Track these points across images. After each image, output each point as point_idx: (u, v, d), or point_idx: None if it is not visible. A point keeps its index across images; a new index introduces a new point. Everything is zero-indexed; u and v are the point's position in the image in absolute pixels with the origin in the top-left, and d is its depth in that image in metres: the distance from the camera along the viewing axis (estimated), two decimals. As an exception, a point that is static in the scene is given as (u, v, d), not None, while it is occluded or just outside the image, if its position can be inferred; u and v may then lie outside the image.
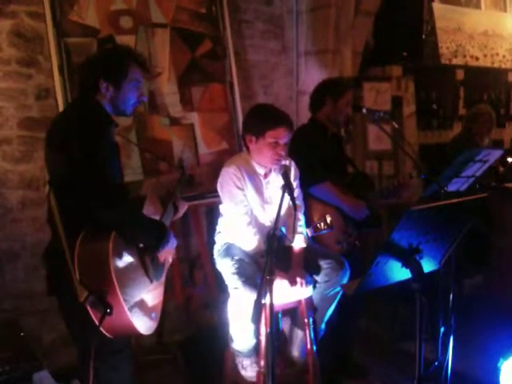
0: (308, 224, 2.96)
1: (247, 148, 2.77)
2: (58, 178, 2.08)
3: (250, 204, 2.74)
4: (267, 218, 2.79)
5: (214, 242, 2.94)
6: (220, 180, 2.74)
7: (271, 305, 1.90)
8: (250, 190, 2.73)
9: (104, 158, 2.03)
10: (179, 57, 3.47)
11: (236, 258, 2.75)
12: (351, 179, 3.36)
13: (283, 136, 2.64)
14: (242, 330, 2.74)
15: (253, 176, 2.75)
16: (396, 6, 4.64)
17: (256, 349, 2.75)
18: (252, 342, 2.75)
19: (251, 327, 2.70)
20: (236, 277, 2.68)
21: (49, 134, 2.17)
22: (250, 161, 2.76)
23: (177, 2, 3.47)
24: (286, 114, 2.73)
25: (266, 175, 2.79)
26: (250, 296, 2.54)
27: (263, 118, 2.67)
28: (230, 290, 2.77)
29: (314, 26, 4.29)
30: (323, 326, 2.96)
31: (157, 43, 3.38)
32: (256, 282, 2.57)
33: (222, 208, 2.84)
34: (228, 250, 2.81)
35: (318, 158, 3.07)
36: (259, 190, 2.77)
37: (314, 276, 2.80)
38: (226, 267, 2.79)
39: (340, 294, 2.89)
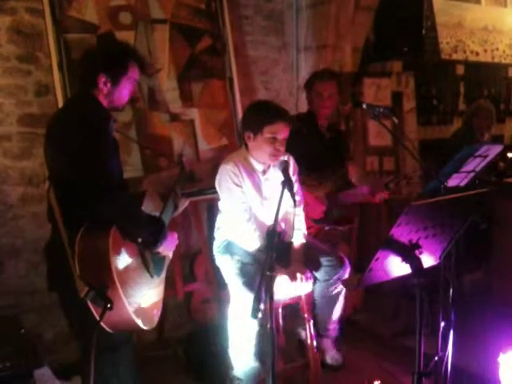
0: None
1: (246, 145, 2.77)
2: (58, 173, 2.08)
3: (249, 201, 2.74)
4: (266, 214, 2.78)
5: (214, 238, 2.95)
6: (218, 177, 2.74)
7: (271, 301, 1.90)
8: (248, 186, 2.73)
9: (103, 153, 2.03)
10: (179, 53, 3.46)
11: (237, 257, 2.75)
12: (331, 174, 3.40)
13: (281, 131, 2.63)
14: (243, 352, 2.69)
15: (251, 173, 2.75)
16: (396, 1, 4.63)
17: (258, 375, 2.71)
18: (254, 365, 2.69)
19: (252, 349, 2.66)
20: (237, 278, 2.69)
21: (48, 129, 2.18)
22: (248, 157, 2.76)
23: (176, -3, 3.46)
24: (284, 108, 2.73)
25: (264, 172, 2.78)
26: (250, 297, 2.54)
27: (260, 114, 2.66)
28: (230, 290, 2.77)
29: (314, 22, 4.28)
30: (332, 325, 3.06)
31: (156, 39, 3.37)
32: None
33: (220, 204, 2.84)
34: (227, 247, 2.81)
35: (294, 152, 3.06)
36: (257, 187, 2.76)
37: (314, 273, 2.80)
38: (226, 265, 2.79)
39: (343, 292, 2.89)
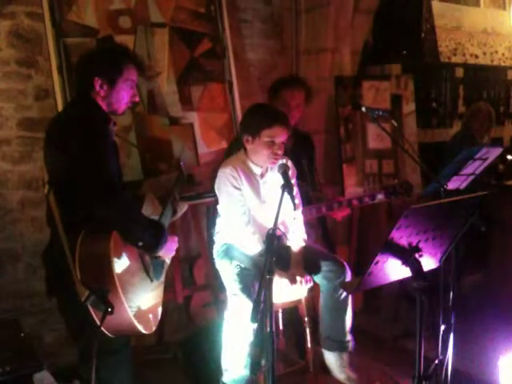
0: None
1: (244, 148, 2.77)
2: (58, 177, 2.08)
3: (248, 204, 2.74)
4: (265, 217, 2.77)
5: (213, 242, 2.94)
6: (217, 181, 2.73)
7: (271, 304, 1.90)
8: (246, 189, 2.73)
9: (103, 155, 2.03)
10: (178, 56, 3.46)
11: (236, 262, 2.74)
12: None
13: (279, 135, 2.63)
14: (236, 360, 2.68)
15: (249, 176, 2.74)
16: (395, 4, 4.63)
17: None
18: (244, 373, 2.66)
19: (244, 356, 2.63)
20: (235, 283, 2.69)
21: (48, 133, 2.18)
22: (246, 161, 2.76)
23: (176, 1, 3.46)
24: (282, 112, 2.72)
25: (262, 175, 2.78)
26: (248, 303, 2.54)
27: (258, 118, 2.66)
28: (229, 295, 2.77)
29: (313, 25, 4.28)
30: (348, 337, 2.86)
31: (156, 43, 3.37)
32: (254, 289, 2.57)
33: (219, 208, 2.83)
34: (227, 252, 2.80)
35: None
36: (256, 190, 2.76)
37: (315, 279, 2.79)
38: (225, 269, 2.79)
39: (350, 297, 2.84)
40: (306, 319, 2.83)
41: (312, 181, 3.31)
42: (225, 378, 2.74)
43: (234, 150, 2.94)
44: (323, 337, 2.88)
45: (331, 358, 2.86)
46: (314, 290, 2.82)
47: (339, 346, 2.84)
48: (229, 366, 2.72)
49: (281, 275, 2.62)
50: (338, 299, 2.79)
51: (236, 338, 2.67)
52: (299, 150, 3.26)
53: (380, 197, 3.19)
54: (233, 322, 2.70)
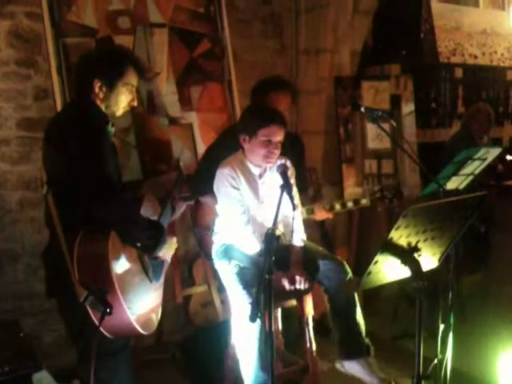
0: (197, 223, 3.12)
1: (242, 148, 2.76)
2: (57, 177, 2.08)
3: (246, 204, 2.74)
4: (263, 217, 2.77)
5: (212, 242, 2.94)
6: (216, 181, 2.73)
7: (270, 304, 1.90)
8: (245, 189, 2.72)
9: (102, 156, 2.03)
10: (178, 57, 3.47)
11: (235, 262, 2.74)
12: None
13: (275, 134, 2.62)
14: (251, 364, 2.62)
15: (248, 176, 2.74)
16: (394, 4, 4.64)
17: None
18: (263, 377, 2.59)
19: (258, 360, 2.57)
20: (235, 283, 2.68)
21: (47, 133, 2.17)
22: (244, 161, 2.75)
23: (175, 1, 3.46)
24: (279, 112, 2.72)
25: (260, 175, 2.77)
26: (249, 302, 2.53)
27: (255, 117, 2.66)
28: (229, 295, 2.76)
29: (313, 26, 4.29)
30: (367, 340, 2.81)
31: (155, 43, 3.37)
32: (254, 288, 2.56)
33: (218, 209, 2.83)
34: (226, 252, 2.80)
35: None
36: (254, 190, 2.75)
37: (315, 277, 2.79)
38: (224, 270, 2.79)
39: (355, 295, 2.80)
40: (306, 319, 2.83)
41: (303, 181, 3.26)
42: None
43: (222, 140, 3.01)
44: (339, 346, 2.82)
45: (355, 368, 2.76)
46: (312, 291, 2.81)
47: (359, 350, 2.77)
48: (246, 372, 2.65)
49: (280, 276, 2.62)
50: (343, 297, 2.78)
51: (245, 340, 2.63)
52: (286, 151, 3.21)
53: (364, 202, 3.17)
54: (238, 324, 2.68)
